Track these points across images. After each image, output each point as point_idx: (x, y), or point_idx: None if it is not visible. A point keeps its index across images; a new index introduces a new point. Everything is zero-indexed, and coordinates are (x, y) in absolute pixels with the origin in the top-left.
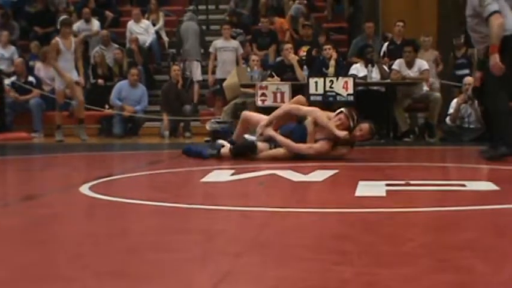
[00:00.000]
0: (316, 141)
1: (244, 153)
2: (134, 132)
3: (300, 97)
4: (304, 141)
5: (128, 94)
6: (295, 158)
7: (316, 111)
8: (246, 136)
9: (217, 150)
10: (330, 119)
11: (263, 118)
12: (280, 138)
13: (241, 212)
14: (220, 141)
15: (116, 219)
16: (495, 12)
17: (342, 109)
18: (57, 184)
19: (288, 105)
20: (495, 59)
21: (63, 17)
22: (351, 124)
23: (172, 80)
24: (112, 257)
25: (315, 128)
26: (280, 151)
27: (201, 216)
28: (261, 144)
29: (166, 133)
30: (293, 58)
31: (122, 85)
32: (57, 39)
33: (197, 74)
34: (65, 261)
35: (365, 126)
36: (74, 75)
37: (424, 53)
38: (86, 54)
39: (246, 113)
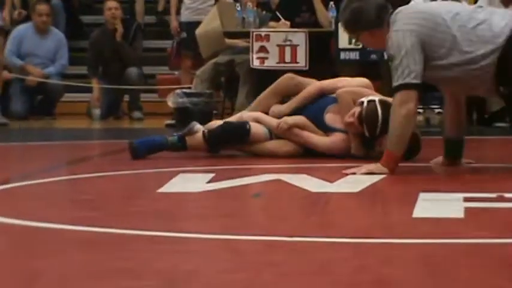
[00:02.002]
0: (329, 131)
1: (228, 142)
2: (46, 110)
3: (363, 80)
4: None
5: (34, 47)
6: (309, 153)
7: (345, 82)
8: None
9: (179, 137)
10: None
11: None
12: (305, 135)
13: (225, 243)
14: (196, 124)
15: (14, 255)
16: (413, 86)
17: (371, 99)
18: None
19: (319, 84)
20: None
21: None
22: (366, 133)
23: (106, 24)
24: None
25: (344, 104)
26: (286, 144)
27: (158, 249)
28: (257, 129)
29: (97, 112)
30: None
31: (23, 32)
32: None
33: None
34: None
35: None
36: None
37: None
38: None
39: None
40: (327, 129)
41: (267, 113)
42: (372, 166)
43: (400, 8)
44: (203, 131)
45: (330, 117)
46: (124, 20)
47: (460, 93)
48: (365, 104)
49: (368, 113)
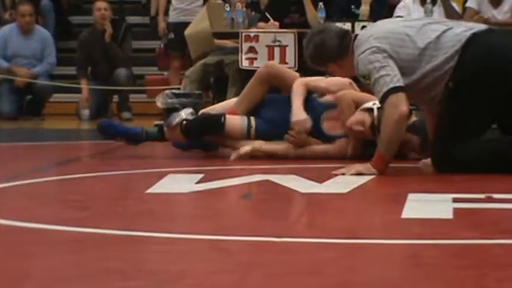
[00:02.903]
0: (331, 140)
1: (204, 133)
2: (34, 110)
3: (344, 81)
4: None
5: (20, 47)
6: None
7: (327, 80)
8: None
9: (159, 128)
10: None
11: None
12: (314, 150)
13: (214, 244)
14: (176, 117)
15: (3, 255)
16: (399, 88)
17: (376, 105)
18: None
19: (303, 81)
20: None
21: None
22: (377, 140)
23: (96, 25)
24: None
25: (346, 107)
26: (277, 147)
27: (147, 249)
28: (233, 123)
29: (86, 112)
30: None
31: (7, 33)
32: None
33: None
34: None
35: (413, 139)
36: None
37: None
38: None
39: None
40: (328, 139)
41: (254, 105)
42: (361, 167)
43: (360, 33)
44: (181, 123)
45: (329, 126)
46: (113, 21)
47: (427, 104)
48: (375, 112)
49: (380, 122)
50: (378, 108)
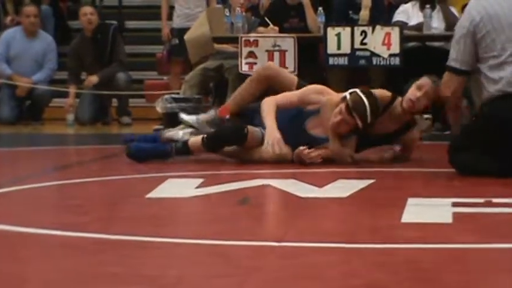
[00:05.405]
0: (320, 143)
1: (225, 145)
2: (34, 115)
3: (316, 87)
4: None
5: (23, 50)
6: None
7: (300, 92)
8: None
9: (183, 143)
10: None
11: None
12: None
13: (213, 248)
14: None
15: (1, 259)
16: (453, 70)
17: (353, 91)
18: None
19: (274, 100)
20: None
21: None
22: (359, 122)
23: (84, 32)
24: None
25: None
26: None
27: (146, 254)
28: (254, 133)
29: (71, 117)
30: None
31: (12, 34)
32: None
33: None
34: None
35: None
36: None
37: None
38: None
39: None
40: (317, 142)
41: (248, 102)
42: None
43: None
44: (202, 136)
45: (317, 131)
46: (100, 25)
47: None
48: (348, 96)
49: (354, 103)
50: (351, 93)
